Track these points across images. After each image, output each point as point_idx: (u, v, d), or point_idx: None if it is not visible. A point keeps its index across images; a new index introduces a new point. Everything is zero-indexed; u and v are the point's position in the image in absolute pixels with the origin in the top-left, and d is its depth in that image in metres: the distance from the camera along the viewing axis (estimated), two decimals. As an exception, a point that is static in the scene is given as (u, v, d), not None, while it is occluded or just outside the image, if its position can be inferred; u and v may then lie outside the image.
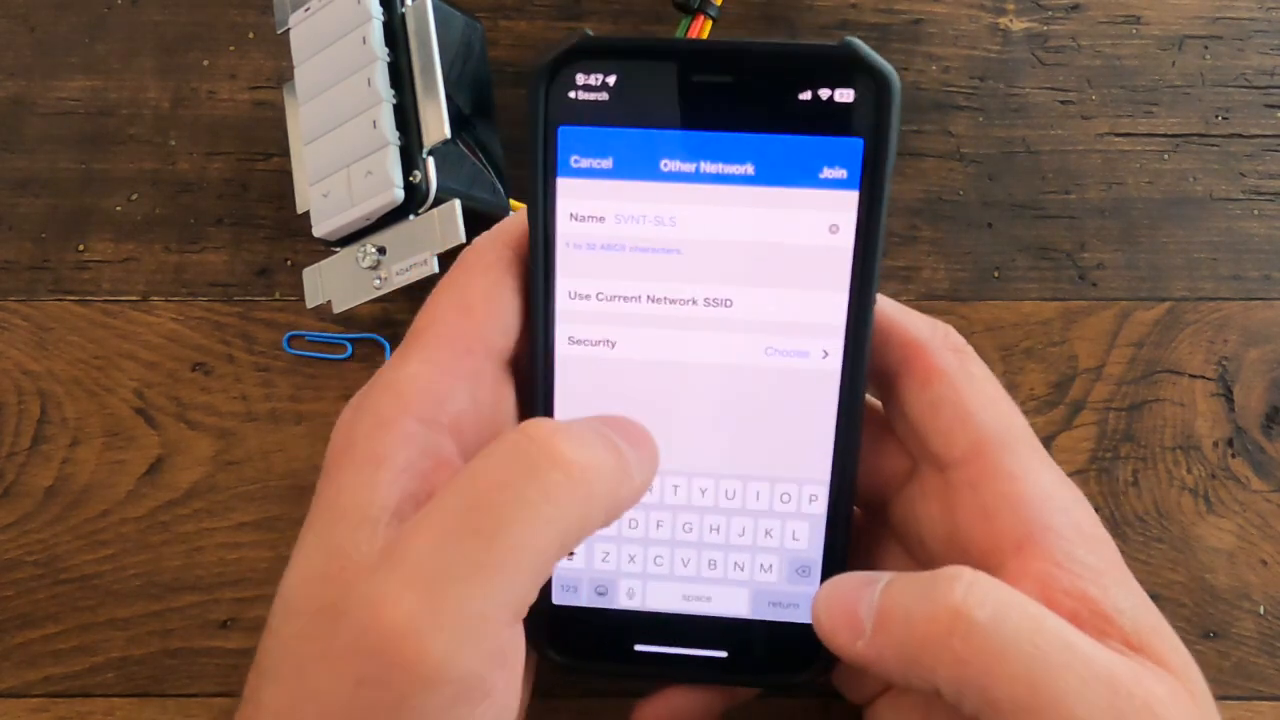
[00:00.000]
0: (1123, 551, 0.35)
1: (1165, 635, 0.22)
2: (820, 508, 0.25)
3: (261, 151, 0.39)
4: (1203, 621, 0.34)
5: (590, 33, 0.23)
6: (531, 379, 0.25)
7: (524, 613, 0.20)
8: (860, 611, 0.22)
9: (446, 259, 0.32)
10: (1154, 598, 0.35)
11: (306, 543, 0.21)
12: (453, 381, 0.23)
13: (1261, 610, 0.34)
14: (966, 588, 0.20)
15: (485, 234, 0.25)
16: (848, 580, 0.23)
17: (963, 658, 0.20)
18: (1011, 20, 0.40)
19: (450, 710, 0.19)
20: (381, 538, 0.20)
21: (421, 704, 0.18)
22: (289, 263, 0.38)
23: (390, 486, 0.21)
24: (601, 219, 0.24)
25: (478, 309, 0.23)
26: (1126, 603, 0.21)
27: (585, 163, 0.24)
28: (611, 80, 0.23)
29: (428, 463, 0.22)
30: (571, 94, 0.23)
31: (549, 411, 0.25)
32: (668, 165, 0.23)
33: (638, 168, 0.23)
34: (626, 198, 0.24)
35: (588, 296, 0.24)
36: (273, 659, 0.20)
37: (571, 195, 0.24)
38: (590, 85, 0.23)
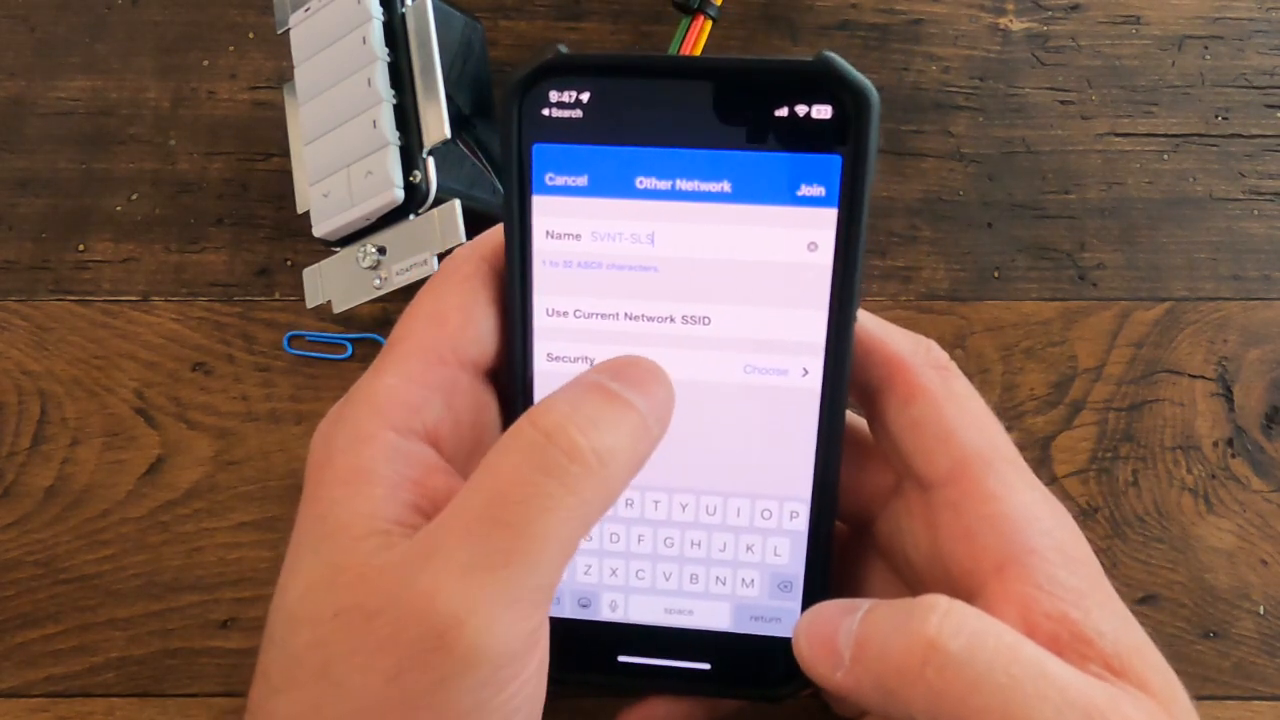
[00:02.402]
0: (1122, 551, 0.35)
1: (1148, 656, 0.21)
2: (802, 524, 0.25)
3: (261, 151, 0.39)
4: (1203, 621, 0.34)
5: (564, 49, 0.23)
6: (511, 395, 0.25)
7: (553, 594, 0.21)
8: (839, 641, 0.22)
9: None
10: (1154, 598, 0.35)
11: (303, 558, 0.21)
12: (426, 392, 0.23)
13: (1261, 610, 0.34)
14: (941, 618, 0.20)
15: (462, 247, 0.25)
16: (828, 609, 0.23)
17: (937, 689, 0.20)
18: (1011, 20, 0.40)
19: (483, 690, 0.19)
20: (399, 546, 0.20)
21: (459, 684, 0.19)
22: (289, 263, 0.38)
23: (387, 501, 0.21)
24: (578, 236, 0.24)
25: (451, 320, 0.23)
26: (1108, 625, 0.21)
27: (560, 180, 0.23)
28: (585, 97, 0.23)
29: (416, 472, 0.22)
30: (545, 111, 0.23)
31: None
32: (644, 183, 0.23)
33: (613, 185, 0.23)
34: (603, 215, 0.23)
35: (565, 314, 0.24)
36: (283, 670, 0.21)
37: (547, 213, 0.24)
38: (564, 102, 0.23)
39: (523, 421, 0.20)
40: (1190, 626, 0.34)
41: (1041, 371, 0.36)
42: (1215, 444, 0.36)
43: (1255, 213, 0.38)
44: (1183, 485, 0.35)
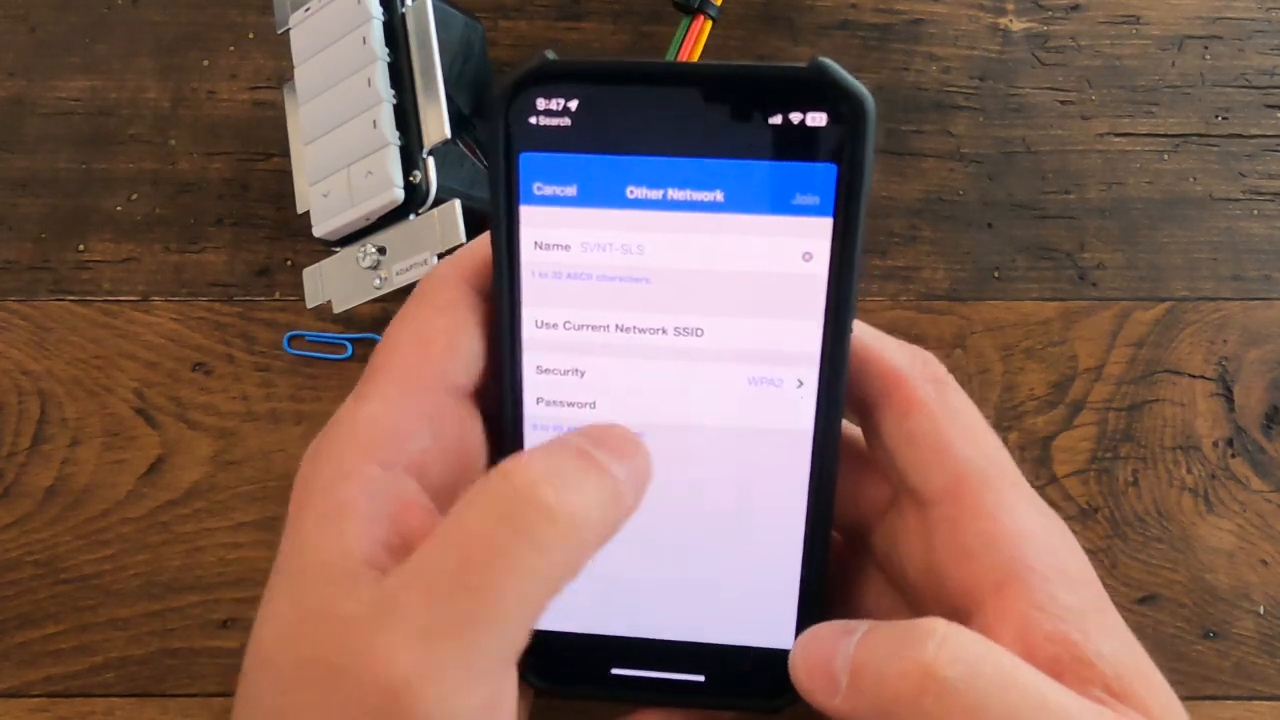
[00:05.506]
0: (1122, 551, 0.35)
1: (1148, 677, 0.21)
2: (797, 535, 0.24)
3: (261, 151, 0.39)
4: (1203, 621, 0.34)
5: (551, 56, 0.22)
6: (500, 411, 0.24)
7: (516, 658, 0.20)
8: (835, 665, 0.21)
9: (446, 259, 0.32)
10: (1154, 598, 0.35)
11: (276, 596, 0.21)
12: (413, 421, 0.22)
13: (1261, 610, 0.34)
14: (939, 644, 0.20)
15: (442, 264, 0.24)
16: (823, 631, 0.23)
17: (935, 717, 0.19)
18: (1011, 20, 0.40)
19: None
20: (366, 591, 0.20)
21: None
22: (289, 263, 0.38)
23: (360, 538, 0.21)
24: (567, 247, 0.23)
25: (436, 344, 0.23)
26: (1108, 646, 0.21)
27: (549, 190, 0.23)
28: (574, 105, 0.22)
29: (393, 507, 0.21)
30: (533, 119, 0.22)
31: (518, 443, 0.24)
32: (634, 192, 0.23)
33: (603, 195, 0.23)
34: (592, 225, 0.23)
35: (555, 326, 0.24)
36: (247, 709, 0.21)
37: (535, 223, 0.23)
38: (552, 110, 0.22)
39: (494, 474, 0.20)
40: (1190, 626, 0.34)
41: (1041, 371, 0.36)
42: (1215, 444, 0.36)
43: (1255, 213, 0.38)
44: (1183, 485, 0.35)
